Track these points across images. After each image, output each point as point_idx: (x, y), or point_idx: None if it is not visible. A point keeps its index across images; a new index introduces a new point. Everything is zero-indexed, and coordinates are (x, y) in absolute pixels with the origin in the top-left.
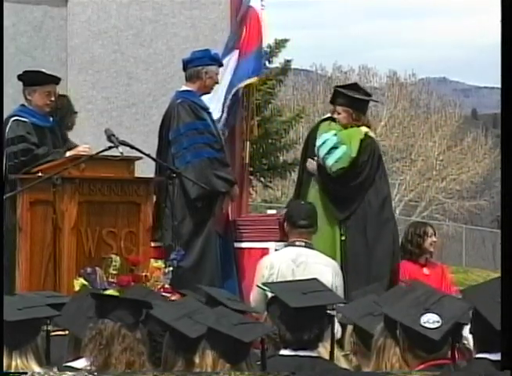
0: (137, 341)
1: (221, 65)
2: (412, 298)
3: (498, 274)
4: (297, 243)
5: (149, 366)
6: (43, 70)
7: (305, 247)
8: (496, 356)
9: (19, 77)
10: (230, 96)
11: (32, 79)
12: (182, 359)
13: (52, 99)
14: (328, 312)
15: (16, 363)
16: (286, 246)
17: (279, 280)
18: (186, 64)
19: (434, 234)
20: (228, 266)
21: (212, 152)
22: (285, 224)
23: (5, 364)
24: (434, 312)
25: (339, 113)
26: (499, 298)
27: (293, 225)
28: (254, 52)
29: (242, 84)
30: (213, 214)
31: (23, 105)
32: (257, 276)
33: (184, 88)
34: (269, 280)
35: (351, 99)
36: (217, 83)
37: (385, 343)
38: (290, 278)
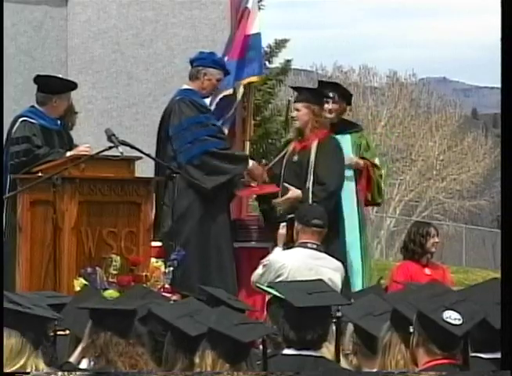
0: (131, 346)
1: (226, 72)
2: (430, 295)
3: (498, 274)
4: (309, 245)
5: (153, 365)
6: (60, 75)
7: (316, 249)
8: (489, 355)
9: (35, 81)
10: (221, 96)
11: (60, 86)
12: (183, 358)
13: (69, 103)
14: (333, 313)
15: (23, 362)
16: (297, 246)
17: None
18: (190, 63)
19: (437, 235)
20: (227, 266)
21: (218, 142)
22: (295, 224)
23: (11, 364)
24: (455, 310)
25: (298, 110)
26: (494, 298)
27: (307, 224)
28: (247, 54)
29: (245, 82)
30: (212, 212)
31: (32, 106)
32: (264, 274)
33: (185, 86)
34: (277, 280)
35: (310, 92)
36: (217, 88)
37: (391, 340)
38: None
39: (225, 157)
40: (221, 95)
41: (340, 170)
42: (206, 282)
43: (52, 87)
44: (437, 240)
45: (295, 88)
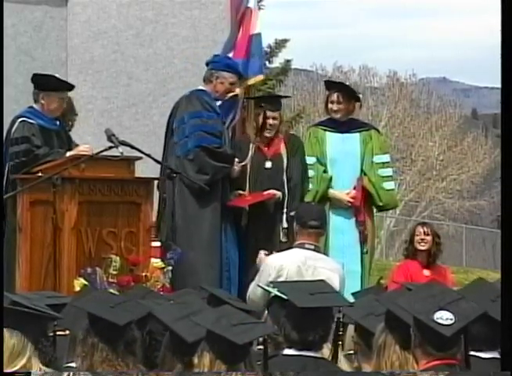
0: (116, 354)
1: (240, 76)
2: (426, 296)
3: (498, 274)
4: (307, 246)
5: (142, 370)
6: (57, 75)
7: (314, 250)
8: (488, 354)
9: (33, 80)
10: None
11: (48, 84)
12: (180, 361)
13: (64, 105)
14: (336, 315)
15: (23, 362)
16: (294, 247)
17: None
18: (206, 65)
19: (425, 233)
20: (227, 265)
21: (212, 139)
22: (294, 224)
23: (11, 364)
24: (448, 310)
25: (275, 119)
26: (489, 298)
27: (303, 226)
28: (250, 54)
29: (251, 82)
30: (213, 211)
31: (31, 106)
32: (262, 276)
33: (199, 87)
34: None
35: (279, 99)
36: (231, 92)
37: (385, 341)
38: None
39: (216, 155)
40: (228, 96)
41: (305, 170)
42: (205, 282)
43: (44, 85)
44: (423, 237)
45: (270, 98)
